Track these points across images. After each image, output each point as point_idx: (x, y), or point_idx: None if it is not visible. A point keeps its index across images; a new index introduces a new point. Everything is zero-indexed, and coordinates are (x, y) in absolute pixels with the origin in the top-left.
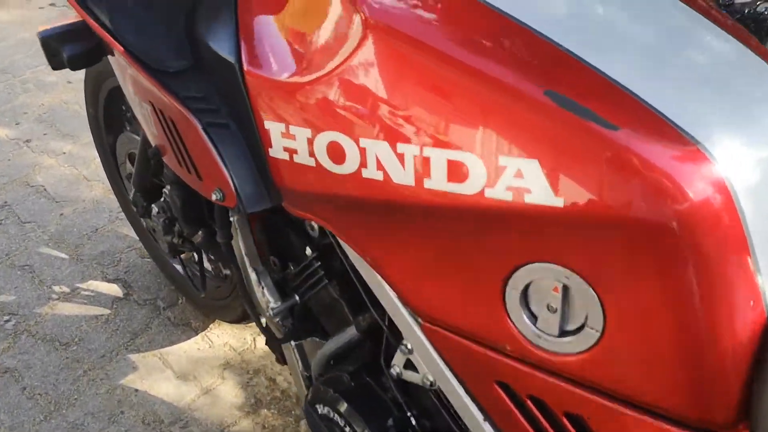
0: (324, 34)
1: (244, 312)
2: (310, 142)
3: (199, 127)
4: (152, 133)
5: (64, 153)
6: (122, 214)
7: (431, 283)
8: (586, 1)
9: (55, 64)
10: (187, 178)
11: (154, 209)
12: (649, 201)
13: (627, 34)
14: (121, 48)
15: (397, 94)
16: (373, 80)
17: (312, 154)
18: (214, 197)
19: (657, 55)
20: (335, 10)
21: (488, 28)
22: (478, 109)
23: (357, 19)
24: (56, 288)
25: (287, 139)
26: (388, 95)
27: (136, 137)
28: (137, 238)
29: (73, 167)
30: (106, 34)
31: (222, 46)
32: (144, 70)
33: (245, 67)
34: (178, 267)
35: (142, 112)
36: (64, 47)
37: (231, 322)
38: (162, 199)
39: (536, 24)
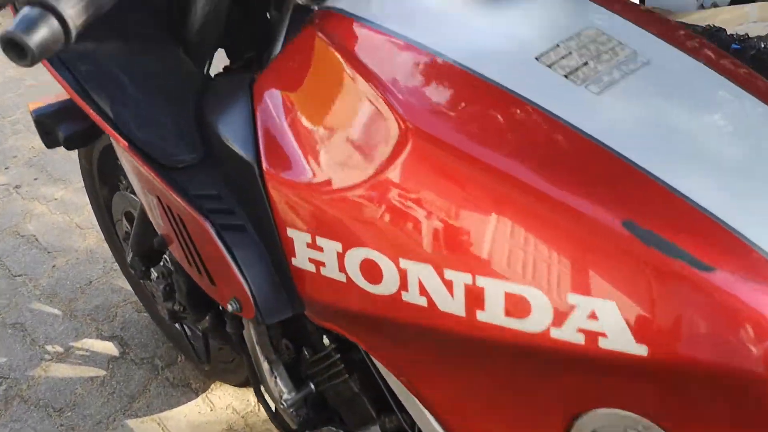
0: (355, 136)
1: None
2: (341, 256)
3: (213, 231)
4: (158, 223)
5: (56, 199)
6: (116, 264)
7: (480, 418)
8: (656, 108)
9: (50, 142)
10: (197, 279)
11: (154, 273)
12: (750, 350)
13: (707, 147)
14: (125, 142)
15: (444, 212)
16: (414, 194)
17: (342, 269)
18: (230, 308)
19: (744, 172)
20: (367, 109)
21: (551, 139)
22: (542, 237)
23: (393, 122)
24: (49, 348)
25: (314, 251)
26: (434, 212)
27: (134, 197)
28: (132, 290)
29: (65, 214)
30: (106, 125)
31: (236, 139)
32: (150, 166)
33: (264, 166)
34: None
35: (146, 200)
36: (59, 126)
37: (235, 385)
38: (162, 264)
39: (605, 136)
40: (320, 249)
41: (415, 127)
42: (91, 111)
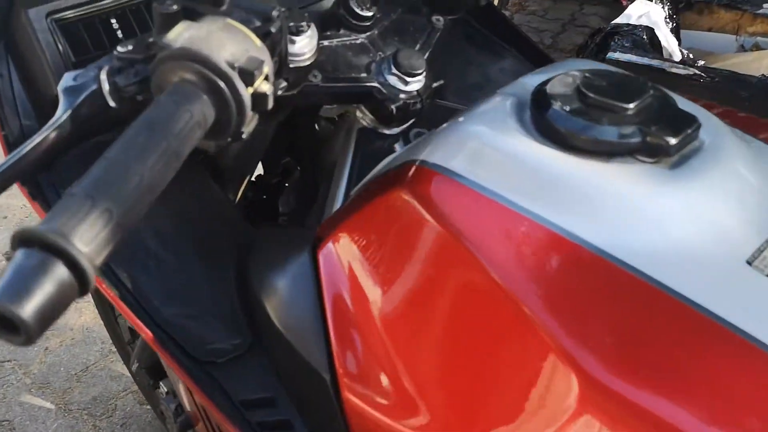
0: (492, 367)
1: None
2: None
3: None
4: (183, 402)
5: None
6: (115, 346)
7: None
8: None
9: None
10: None
11: (163, 388)
12: None
13: None
14: (149, 333)
15: None
16: None
17: None
18: None
19: None
20: (509, 330)
21: None
22: None
23: (553, 359)
24: None
25: None
26: None
27: None
28: (132, 378)
29: None
30: (122, 303)
31: (297, 332)
32: (178, 362)
33: (342, 380)
34: None
35: (174, 381)
36: None
37: None
38: None
39: None
40: None
41: (591, 376)
42: (102, 283)
